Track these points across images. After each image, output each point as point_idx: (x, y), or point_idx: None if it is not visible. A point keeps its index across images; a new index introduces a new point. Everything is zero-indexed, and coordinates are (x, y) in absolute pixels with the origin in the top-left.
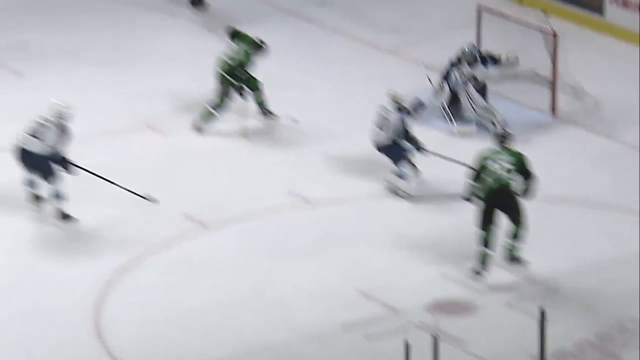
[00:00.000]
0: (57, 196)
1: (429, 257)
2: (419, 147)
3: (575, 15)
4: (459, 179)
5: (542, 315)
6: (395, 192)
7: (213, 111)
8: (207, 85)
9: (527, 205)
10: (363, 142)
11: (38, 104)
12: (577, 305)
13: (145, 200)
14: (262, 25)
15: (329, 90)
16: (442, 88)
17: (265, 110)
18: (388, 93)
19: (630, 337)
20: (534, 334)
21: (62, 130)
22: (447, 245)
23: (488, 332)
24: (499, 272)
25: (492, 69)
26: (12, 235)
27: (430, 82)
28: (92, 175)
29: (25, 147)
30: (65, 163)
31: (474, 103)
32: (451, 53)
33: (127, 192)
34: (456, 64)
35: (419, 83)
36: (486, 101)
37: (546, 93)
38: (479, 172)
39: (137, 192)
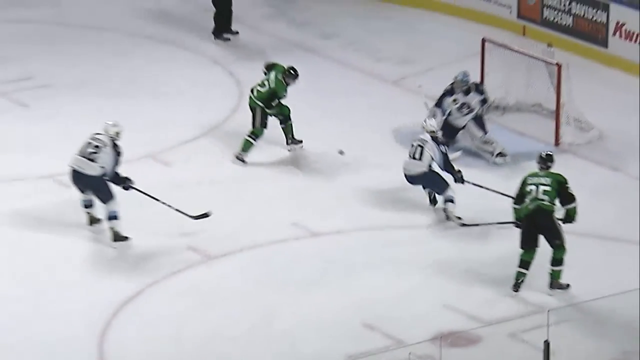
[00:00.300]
0: (112, 217)
1: (433, 288)
2: (458, 178)
3: (579, 47)
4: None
5: (546, 346)
6: (449, 217)
7: (253, 141)
8: (212, 116)
9: None
10: (367, 172)
11: (43, 135)
12: (581, 336)
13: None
14: (265, 57)
15: (332, 121)
16: (434, 115)
17: (292, 139)
18: (426, 124)
19: None
20: None
21: (115, 150)
22: (452, 276)
23: None
24: (503, 303)
25: (477, 99)
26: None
27: (427, 108)
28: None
29: (79, 169)
30: (120, 182)
31: (471, 133)
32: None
33: (178, 213)
34: (449, 91)
35: (423, 114)
36: (484, 131)
37: (550, 124)
38: (521, 195)
39: (188, 213)
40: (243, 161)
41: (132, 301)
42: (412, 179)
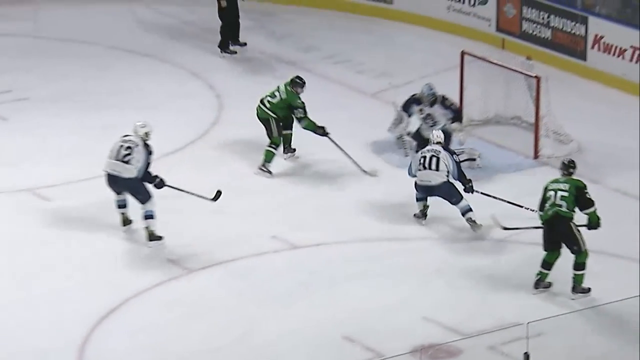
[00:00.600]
0: (148, 217)
1: (414, 301)
2: (469, 188)
3: (558, 60)
4: None
5: (526, 358)
6: (474, 226)
7: (274, 151)
8: (193, 129)
9: (508, 249)
10: (347, 185)
11: (22, 148)
12: (561, 348)
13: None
14: (245, 70)
15: (312, 134)
16: (401, 119)
17: (289, 148)
18: (433, 134)
19: None
20: None
21: (146, 149)
22: (432, 289)
23: None
24: (484, 315)
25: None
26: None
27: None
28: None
29: (116, 173)
30: (152, 180)
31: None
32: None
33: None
34: (417, 100)
35: (392, 116)
36: (448, 145)
37: (529, 137)
38: (543, 201)
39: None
40: (269, 172)
41: (113, 314)
42: (429, 190)
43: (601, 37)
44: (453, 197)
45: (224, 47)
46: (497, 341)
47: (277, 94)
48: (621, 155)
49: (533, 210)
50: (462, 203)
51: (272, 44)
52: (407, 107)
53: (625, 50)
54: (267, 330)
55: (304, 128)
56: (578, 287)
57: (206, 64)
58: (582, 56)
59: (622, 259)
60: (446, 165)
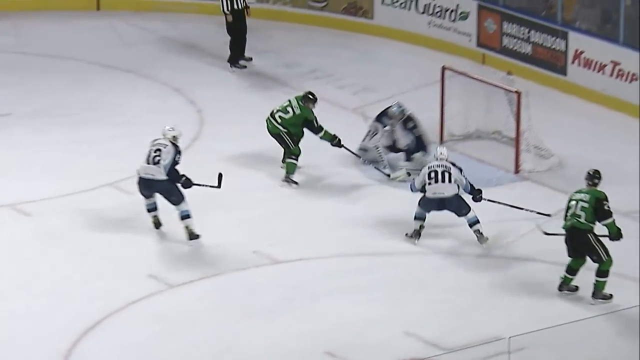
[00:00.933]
0: (185, 216)
1: (395, 315)
2: (478, 198)
3: (539, 75)
4: None
5: None
6: (481, 238)
7: (295, 161)
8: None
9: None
10: (328, 200)
11: (2, 164)
12: None
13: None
14: (226, 86)
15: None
16: (375, 130)
17: (289, 178)
18: (437, 151)
19: None
20: None
21: (176, 148)
22: (414, 303)
23: None
24: (465, 330)
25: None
26: None
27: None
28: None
29: (149, 177)
30: (178, 179)
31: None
32: (414, 112)
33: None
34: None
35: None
36: (409, 160)
37: (510, 151)
38: (566, 210)
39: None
40: (295, 182)
41: (94, 330)
42: (440, 203)
43: (581, 52)
44: (463, 209)
45: (233, 61)
46: (479, 356)
47: (289, 109)
48: (601, 169)
49: (547, 215)
50: (470, 215)
51: (254, 59)
52: (380, 118)
53: (605, 65)
54: (249, 345)
55: (321, 138)
56: (598, 293)
57: (187, 79)
58: (563, 71)
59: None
60: (457, 179)
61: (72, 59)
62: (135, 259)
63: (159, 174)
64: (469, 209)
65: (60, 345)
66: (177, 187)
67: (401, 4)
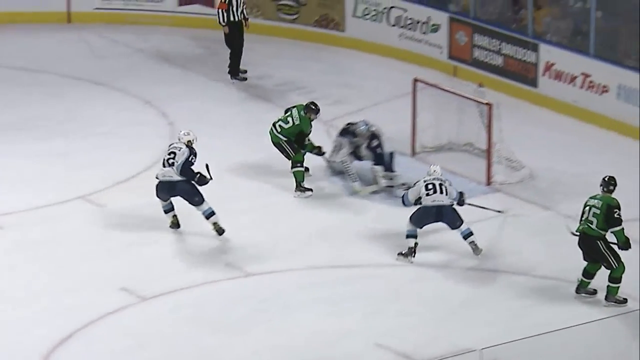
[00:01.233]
0: (210, 214)
1: (367, 327)
2: (462, 201)
3: (510, 87)
4: None
5: None
6: (476, 249)
7: (301, 168)
8: (145, 157)
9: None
10: (300, 213)
11: None
12: None
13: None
14: (197, 98)
15: (267, 161)
16: (341, 145)
17: (300, 186)
18: (431, 168)
19: None
20: None
21: (190, 151)
22: (386, 315)
23: None
24: (437, 342)
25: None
26: None
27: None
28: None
29: (168, 179)
30: (192, 176)
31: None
32: (386, 124)
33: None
34: (352, 133)
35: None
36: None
37: (481, 163)
38: (581, 215)
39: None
40: (309, 190)
41: (64, 344)
42: (438, 212)
43: (552, 64)
44: (457, 221)
45: (233, 74)
46: None
47: (290, 119)
48: (572, 181)
49: (499, 212)
50: (464, 227)
51: (224, 72)
52: (344, 134)
53: (575, 77)
54: (222, 358)
55: (303, 150)
56: (611, 297)
57: (159, 92)
58: (534, 83)
59: (574, 284)
60: (450, 193)
61: (43, 72)
62: (107, 272)
63: (175, 174)
64: (462, 221)
65: (32, 358)
66: (196, 187)
67: (372, 16)
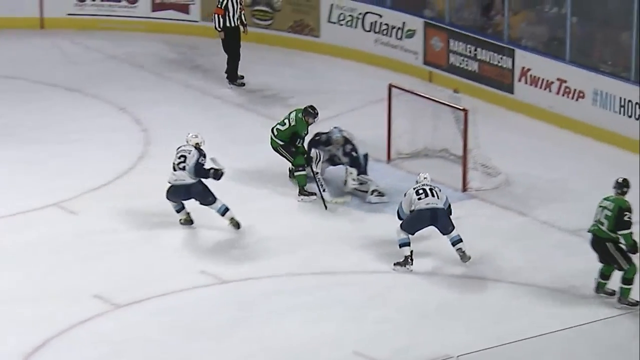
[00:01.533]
0: (225, 211)
1: (345, 335)
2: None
3: (485, 93)
4: None
5: None
6: (464, 257)
7: (304, 172)
8: (119, 164)
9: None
10: (275, 219)
11: None
12: None
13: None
14: (171, 104)
15: (241, 168)
16: (317, 156)
17: (303, 191)
18: (420, 175)
19: None
20: None
21: (199, 152)
22: (364, 322)
23: None
24: (415, 349)
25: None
26: None
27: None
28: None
29: (180, 182)
30: (206, 175)
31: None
32: (361, 130)
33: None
34: (325, 142)
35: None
36: (360, 170)
37: (457, 169)
38: (595, 215)
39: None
40: (313, 194)
41: (36, 353)
42: (433, 215)
43: (528, 70)
44: (449, 226)
45: (231, 79)
46: None
47: (287, 121)
48: (548, 187)
49: None
50: (454, 233)
51: (198, 78)
52: (315, 144)
53: (551, 82)
54: None
55: (293, 163)
56: (623, 299)
57: (133, 98)
58: (509, 89)
59: (551, 290)
60: (441, 197)
61: (16, 78)
62: (80, 279)
63: (189, 177)
64: (454, 227)
65: None
66: (208, 188)
67: (347, 22)
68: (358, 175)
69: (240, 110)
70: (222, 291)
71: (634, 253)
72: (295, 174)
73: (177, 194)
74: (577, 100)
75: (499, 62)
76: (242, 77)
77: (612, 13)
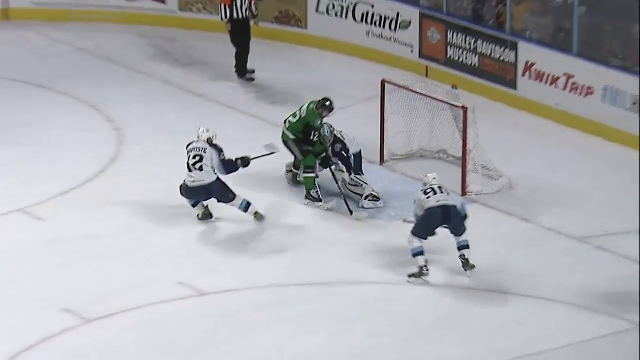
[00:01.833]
0: (246, 206)
1: (331, 350)
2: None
3: (486, 89)
4: None
5: None
6: (468, 266)
7: (311, 174)
8: (90, 167)
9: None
10: (257, 228)
11: None
12: None
13: None
14: (146, 101)
15: None
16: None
17: (309, 195)
18: (428, 176)
19: None
20: None
21: (215, 148)
22: (350, 336)
23: None
24: None
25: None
26: None
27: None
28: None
29: (198, 184)
30: (236, 167)
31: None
32: (352, 129)
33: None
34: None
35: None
36: (350, 171)
37: (456, 172)
38: None
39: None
40: (320, 200)
41: None
42: (446, 213)
43: (532, 64)
44: (462, 228)
45: (240, 74)
46: None
47: (298, 113)
48: (554, 191)
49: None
50: (464, 238)
51: (177, 73)
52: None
53: (558, 78)
54: None
55: (301, 162)
56: None
57: (105, 95)
58: (512, 85)
59: (556, 303)
60: (455, 197)
61: None
62: (47, 291)
63: (207, 176)
64: (466, 230)
65: None
66: (227, 185)
67: (337, 12)
68: (350, 175)
69: (222, 108)
70: (200, 304)
71: None
72: (304, 175)
73: (195, 195)
74: (585, 96)
75: (500, 55)
76: (253, 72)
77: (623, 2)
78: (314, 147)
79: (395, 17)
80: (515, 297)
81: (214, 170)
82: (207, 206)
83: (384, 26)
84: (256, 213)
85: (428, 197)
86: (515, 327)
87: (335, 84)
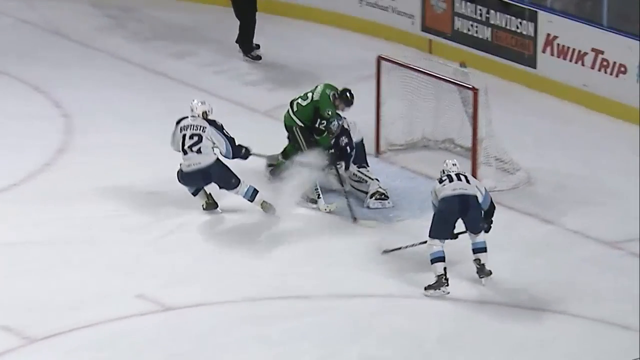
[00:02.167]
0: (253, 194)
1: None
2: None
3: (501, 67)
4: None
5: None
6: (484, 272)
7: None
8: (33, 159)
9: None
10: (231, 231)
11: None
12: None
13: None
14: (98, 82)
15: None
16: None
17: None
18: (447, 162)
19: None
20: None
21: (214, 125)
22: (344, 358)
23: None
24: None
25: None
26: None
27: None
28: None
29: (197, 167)
30: (242, 152)
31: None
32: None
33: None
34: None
35: None
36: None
37: (465, 164)
38: None
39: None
40: (315, 201)
41: None
42: (463, 205)
43: (555, 38)
44: (481, 222)
45: (245, 50)
46: None
47: (309, 94)
48: (580, 187)
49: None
50: (481, 238)
51: (134, 48)
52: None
53: (585, 54)
54: None
55: (320, 141)
56: None
57: (51, 75)
58: (531, 62)
59: (585, 319)
60: (477, 185)
61: None
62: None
63: (206, 158)
64: (486, 229)
65: None
66: (229, 168)
67: None
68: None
69: (190, 89)
70: (164, 320)
71: None
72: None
73: (193, 180)
74: (616, 76)
75: (517, 27)
76: (258, 47)
77: None
78: (320, 139)
79: None
80: (535, 312)
81: (214, 151)
82: (209, 194)
83: None
84: (263, 202)
85: (443, 185)
86: (535, 346)
87: (324, 61)
